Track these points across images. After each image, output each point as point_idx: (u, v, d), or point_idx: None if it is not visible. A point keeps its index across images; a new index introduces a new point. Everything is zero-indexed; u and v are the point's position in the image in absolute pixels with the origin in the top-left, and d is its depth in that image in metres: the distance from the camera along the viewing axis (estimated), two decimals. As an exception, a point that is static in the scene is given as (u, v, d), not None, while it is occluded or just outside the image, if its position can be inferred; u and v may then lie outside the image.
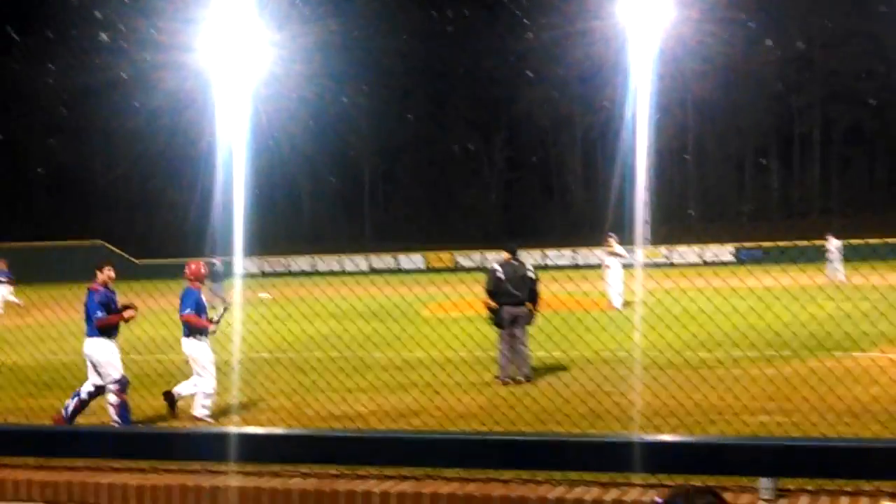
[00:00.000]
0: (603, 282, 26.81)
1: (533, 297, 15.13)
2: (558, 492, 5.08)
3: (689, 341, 15.12)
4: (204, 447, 1.95)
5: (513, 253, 15.58)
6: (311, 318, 16.56)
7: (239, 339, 14.54)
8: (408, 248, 65.46)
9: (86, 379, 12.59)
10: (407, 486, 5.19)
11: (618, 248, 27.13)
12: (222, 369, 13.47)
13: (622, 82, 51.68)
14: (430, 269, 60.44)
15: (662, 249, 56.32)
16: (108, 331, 12.46)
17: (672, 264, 51.00)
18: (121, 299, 12.85)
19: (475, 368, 14.68)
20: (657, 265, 44.45)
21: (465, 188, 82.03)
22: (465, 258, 61.90)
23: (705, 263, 52.33)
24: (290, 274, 59.26)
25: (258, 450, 1.95)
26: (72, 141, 76.66)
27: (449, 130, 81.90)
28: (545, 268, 32.44)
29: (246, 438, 1.89)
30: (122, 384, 12.31)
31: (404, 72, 78.19)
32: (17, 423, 10.67)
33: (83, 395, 12.45)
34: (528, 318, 15.10)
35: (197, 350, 12.86)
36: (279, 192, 77.06)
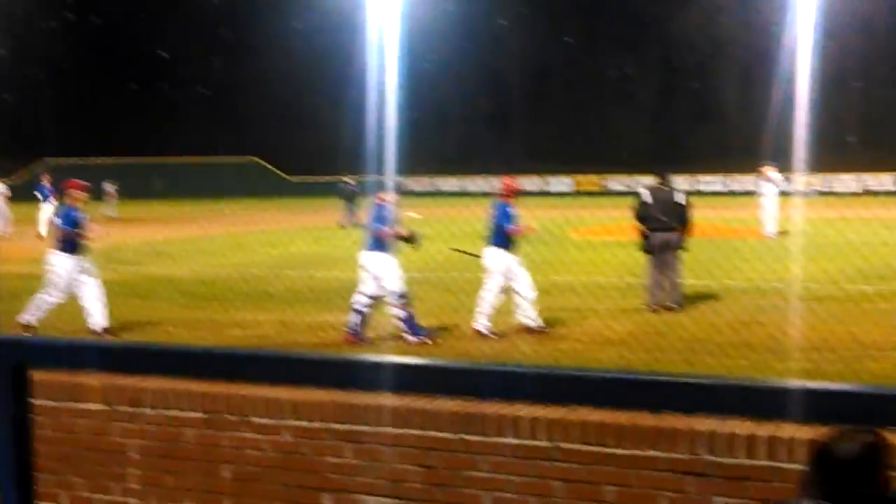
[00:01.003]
0: (758, 208, 26.05)
1: (683, 222, 14.73)
2: (710, 425, 4.96)
3: (849, 273, 14.60)
4: (353, 376, 1.93)
5: (662, 177, 15.16)
6: (459, 239, 16.61)
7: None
8: (556, 170, 64.98)
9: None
10: (556, 413, 5.15)
11: (773, 175, 26.32)
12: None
13: (783, 2, 49.77)
14: (578, 193, 59.97)
15: (819, 177, 54.53)
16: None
17: (830, 193, 49.36)
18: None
19: (624, 294, 14.51)
20: (818, 193, 43.07)
21: (617, 111, 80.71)
22: (615, 182, 61.19)
23: (867, 192, 50.50)
24: (439, 193, 59.62)
25: (403, 380, 1.92)
26: (230, 59, 78.33)
27: (601, 51, 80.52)
28: (697, 194, 31.73)
29: (393, 368, 1.87)
30: (405, 297, 12.43)
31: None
32: (168, 343, 11.05)
33: (361, 308, 12.50)
34: (678, 244, 14.70)
35: (508, 262, 12.92)
36: (428, 112, 77.27)
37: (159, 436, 5.79)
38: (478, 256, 13.46)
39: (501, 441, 5.16)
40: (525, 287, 12.72)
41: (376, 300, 12.52)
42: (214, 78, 78.52)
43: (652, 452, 4.96)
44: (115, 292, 15.42)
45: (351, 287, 14.69)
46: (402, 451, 5.33)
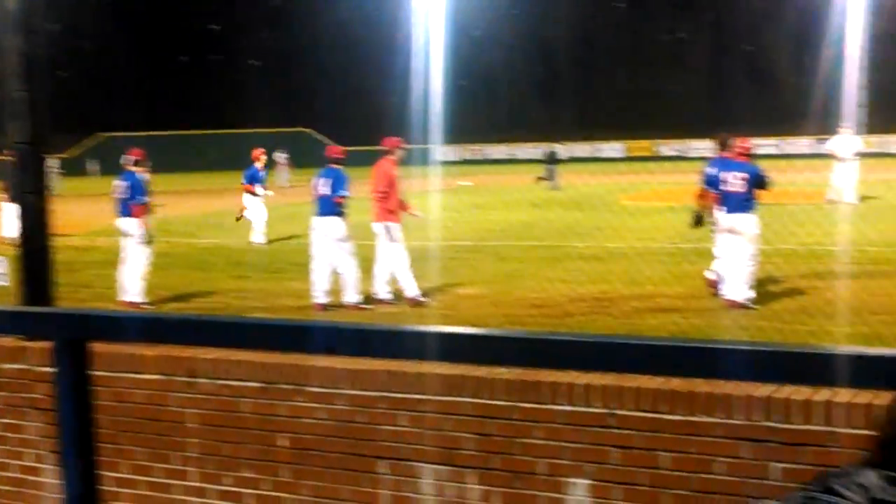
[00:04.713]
0: (832, 173, 24.51)
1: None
2: (766, 390, 4.93)
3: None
4: (402, 345, 1.94)
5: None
6: (511, 207, 16.60)
7: (438, 226, 14.68)
8: (607, 136, 64.55)
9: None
10: (610, 380, 5.15)
11: (848, 139, 25.08)
12: (423, 256, 13.63)
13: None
14: (629, 158, 59.53)
15: (875, 139, 53.56)
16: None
17: (887, 154, 48.55)
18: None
19: (677, 260, 14.40)
20: (869, 155, 42.30)
21: (668, 75, 79.82)
22: (667, 147, 60.68)
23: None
24: (489, 161, 59.50)
25: (459, 350, 1.92)
26: (280, 31, 78.65)
27: (652, 15, 79.64)
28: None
29: (447, 338, 1.86)
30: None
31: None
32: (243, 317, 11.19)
33: None
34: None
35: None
36: (477, 81, 77.01)
37: (216, 405, 5.86)
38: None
39: (556, 408, 5.17)
40: None
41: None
42: (264, 48, 78.85)
43: (707, 418, 4.94)
44: (170, 264, 15.58)
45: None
46: (457, 420, 5.35)
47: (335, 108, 75.81)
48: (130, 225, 13.45)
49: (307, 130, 65.80)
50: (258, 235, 19.76)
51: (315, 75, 79.15)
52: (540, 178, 35.68)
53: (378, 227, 12.96)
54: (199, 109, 70.43)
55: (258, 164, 21.18)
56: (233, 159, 51.60)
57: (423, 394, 5.40)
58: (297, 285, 14.10)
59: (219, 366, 5.80)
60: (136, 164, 13.93)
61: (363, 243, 13.07)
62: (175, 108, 71.23)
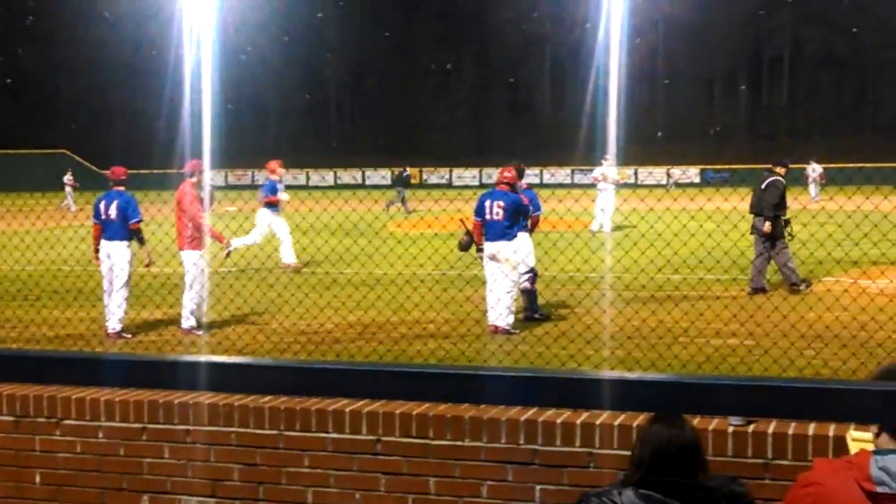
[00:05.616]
0: (594, 203, 25.42)
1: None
2: (530, 414, 5.06)
3: (659, 263, 15.10)
4: (166, 375, 1.89)
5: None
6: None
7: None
8: (375, 163, 65.09)
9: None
10: (378, 407, 5.16)
11: (610, 170, 26.14)
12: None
13: (594, 1, 51.24)
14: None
15: (630, 170, 56.29)
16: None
17: (640, 185, 50.98)
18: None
19: (444, 286, 14.64)
20: (626, 185, 44.37)
21: (435, 104, 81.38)
22: (433, 175, 61.72)
23: (675, 185, 52.42)
24: (257, 187, 58.85)
25: (226, 380, 1.89)
26: (37, 49, 75.34)
27: (418, 46, 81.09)
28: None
29: (213, 367, 1.83)
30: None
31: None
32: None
33: None
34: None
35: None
36: (246, 105, 76.19)
37: (-36, 442, 5.54)
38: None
39: (324, 436, 5.14)
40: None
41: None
42: (18, 67, 75.33)
43: (473, 443, 5.02)
44: (-87, 292, 14.65)
45: (163, 283, 14.30)
46: (223, 450, 5.25)
47: (95, 130, 73.34)
48: None
49: (66, 152, 63.32)
50: (289, 254, 18.73)
51: (75, 96, 76.36)
52: (389, 203, 34.94)
53: (194, 255, 12.83)
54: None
55: (275, 177, 20.06)
56: (-15, 181, 49.08)
57: (188, 424, 5.27)
58: (55, 313, 13.53)
59: (-33, 400, 5.48)
60: None
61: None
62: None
